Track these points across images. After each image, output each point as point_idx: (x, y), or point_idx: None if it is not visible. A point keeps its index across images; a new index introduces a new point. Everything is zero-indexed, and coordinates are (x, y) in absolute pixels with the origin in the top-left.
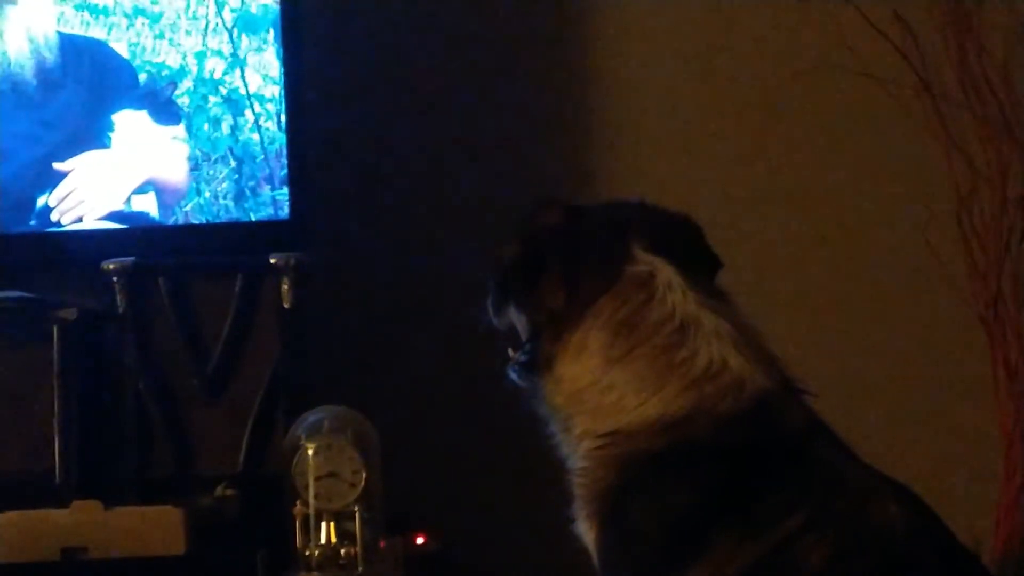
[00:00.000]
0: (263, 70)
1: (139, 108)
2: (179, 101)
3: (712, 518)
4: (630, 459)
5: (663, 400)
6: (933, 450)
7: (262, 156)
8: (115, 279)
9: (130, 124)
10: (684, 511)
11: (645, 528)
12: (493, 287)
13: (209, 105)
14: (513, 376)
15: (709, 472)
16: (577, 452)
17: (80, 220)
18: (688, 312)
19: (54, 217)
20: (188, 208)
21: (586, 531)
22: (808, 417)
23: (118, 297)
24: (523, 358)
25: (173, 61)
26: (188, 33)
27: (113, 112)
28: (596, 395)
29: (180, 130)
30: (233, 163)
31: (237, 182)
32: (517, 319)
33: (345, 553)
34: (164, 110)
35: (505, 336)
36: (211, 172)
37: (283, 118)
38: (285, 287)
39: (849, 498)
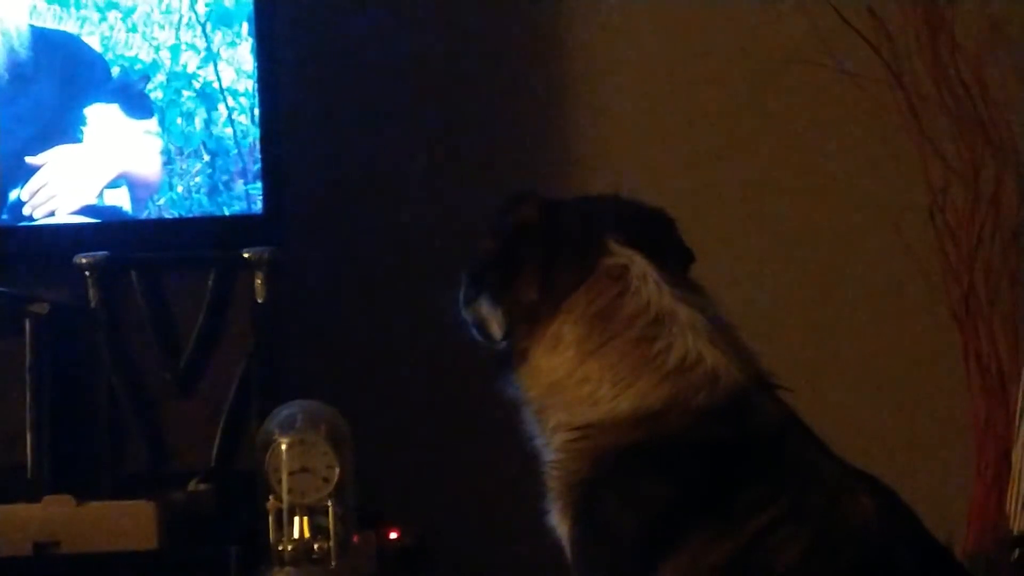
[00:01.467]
0: (237, 64)
1: (110, 102)
2: (152, 95)
3: (686, 512)
4: (604, 452)
5: (638, 393)
6: (905, 445)
7: (235, 150)
8: (87, 273)
9: (102, 118)
10: (658, 505)
11: (619, 522)
12: (465, 280)
13: (182, 99)
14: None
15: (684, 466)
16: (551, 445)
17: (52, 214)
18: (663, 305)
19: (26, 211)
20: (161, 202)
21: (559, 524)
22: (782, 411)
23: (90, 291)
24: (498, 347)
25: (146, 55)
26: (161, 27)
27: (85, 106)
28: (571, 387)
29: (153, 123)
30: (206, 157)
31: (210, 176)
32: (491, 313)
33: (318, 548)
34: (136, 103)
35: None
36: (184, 166)
37: (257, 112)
38: (258, 282)
39: (823, 492)
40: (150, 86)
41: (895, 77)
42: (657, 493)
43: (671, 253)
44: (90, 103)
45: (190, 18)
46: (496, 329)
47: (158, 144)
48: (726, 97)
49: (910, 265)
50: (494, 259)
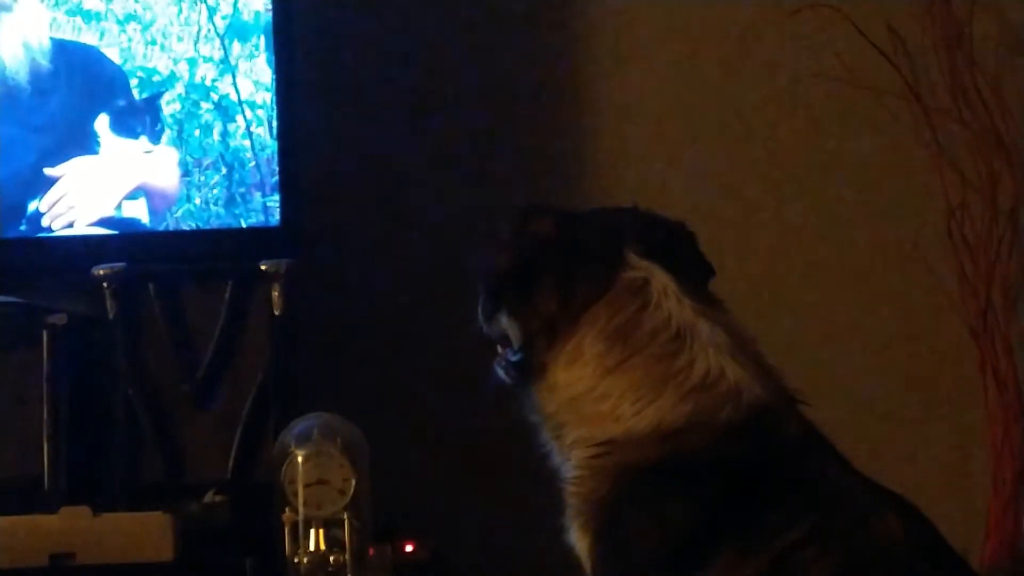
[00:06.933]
0: (254, 76)
1: (107, 115)
2: (170, 107)
3: (711, 531)
4: (626, 469)
5: (660, 409)
6: (922, 460)
7: (253, 162)
8: (105, 285)
9: (102, 131)
10: (682, 524)
11: (641, 541)
12: (484, 295)
13: (200, 111)
14: (500, 373)
15: (707, 484)
16: (570, 461)
17: (71, 225)
18: (684, 320)
19: (45, 222)
20: (179, 214)
21: (579, 541)
22: (805, 427)
23: (108, 303)
24: (513, 358)
25: (164, 67)
26: (180, 39)
27: (96, 118)
28: (591, 403)
29: (143, 143)
30: (224, 169)
31: (228, 188)
32: (509, 327)
33: (334, 560)
34: (123, 124)
35: (495, 343)
36: (202, 178)
37: (274, 124)
38: (275, 294)
39: (850, 511)
40: (168, 98)
41: (913, 92)
42: (680, 512)
43: (691, 267)
44: (97, 115)
45: (208, 31)
46: (514, 343)
47: (175, 156)
48: (743, 111)
49: (927, 280)
50: (512, 273)
